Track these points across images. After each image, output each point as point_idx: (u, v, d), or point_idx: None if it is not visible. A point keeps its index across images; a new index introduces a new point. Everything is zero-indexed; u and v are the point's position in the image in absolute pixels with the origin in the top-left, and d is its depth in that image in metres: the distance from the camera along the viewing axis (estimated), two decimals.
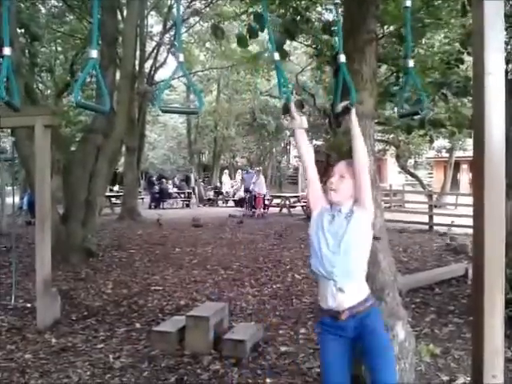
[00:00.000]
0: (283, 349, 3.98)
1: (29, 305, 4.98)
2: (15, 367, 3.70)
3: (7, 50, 2.00)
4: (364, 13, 3.04)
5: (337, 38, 3.20)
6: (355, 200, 2.21)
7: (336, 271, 2.12)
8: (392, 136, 14.23)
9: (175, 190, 21.81)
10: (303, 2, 3.18)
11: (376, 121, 3.28)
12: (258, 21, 3.04)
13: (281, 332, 4.39)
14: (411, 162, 24.81)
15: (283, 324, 4.62)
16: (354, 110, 2.25)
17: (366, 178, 2.19)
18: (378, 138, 13.19)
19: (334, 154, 3.02)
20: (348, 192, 2.23)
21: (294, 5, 3.20)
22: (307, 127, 2.40)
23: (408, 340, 2.98)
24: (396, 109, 2.58)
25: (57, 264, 5.73)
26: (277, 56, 2.33)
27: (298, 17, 3.32)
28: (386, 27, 4.46)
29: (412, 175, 21.49)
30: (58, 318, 4.79)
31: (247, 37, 3.25)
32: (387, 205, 15.81)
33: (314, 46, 3.58)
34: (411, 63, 2.30)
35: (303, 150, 2.41)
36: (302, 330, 4.43)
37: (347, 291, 2.13)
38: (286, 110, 2.44)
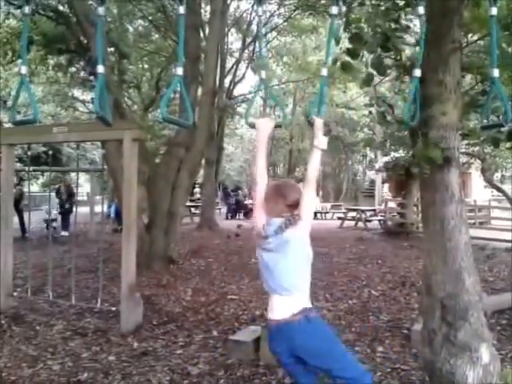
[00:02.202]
0: None
1: (113, 308, 5.18)
2: (99, 368, 3.90)
3: (101, 69, 2.16)
4: (448, 23, 2.95)
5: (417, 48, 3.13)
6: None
7: None
8: (477, 148, 13.50)
9: (250, 201, 22.16)
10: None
11: (460, 132, 3.14)
12: (356, 42, 3.03)
13: (357, 349, 4.29)
14: (498, 175, 23.34)
15: (359, 341, 4.52)
16: (318, 124, 2.36)
17: None
18: (462, 150, 12.57)
19: (424, 166, 2.91)
20: None
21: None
22: (325, 149, 2.40)
23: (493, 363, 2.81)
24: (480, 120, 2.50)
25: (140, 270, 5.99)
26: (325, 72, 2.34)
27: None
28: (470, 36, 4.28)
29: (499, 190, 20.17)
30: (140, 322, 5.00)
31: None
32: (472, 221, 14.97)
33: (393, 56, 3.50)
34: (496, 73, 2.24)
35: (312, 168, 2.42)
36: (380, 348, 4.30)
37: None
38: (311, 125, 2.45)
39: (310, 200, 2.37)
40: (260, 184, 2.45)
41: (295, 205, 2.36)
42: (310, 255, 2.39)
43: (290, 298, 2.37)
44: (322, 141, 2.39)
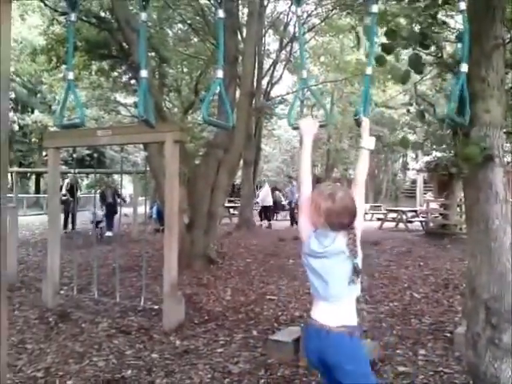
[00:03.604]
0: (401, 369, 3.83)
1: (156, 307, 5.29)
2: (143, 365, 3.99)
3: (144, 73, 2.23)
4: (491, 18, 2.88)
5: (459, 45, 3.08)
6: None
7: None
8: None
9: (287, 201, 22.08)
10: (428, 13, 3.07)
11: (504, 130, 3.06)
12: (392, 38, 3.00)
13: (398, 352, 4.23)
14: None
15: (401, 344, 4.44)
16: (364, 124, 2.37)
17: None
18: (507, 148, 12.15)
19: (464, 166, 2.84)
20: None
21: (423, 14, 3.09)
22: (373, 149, 2.35)
23: None
24: None
25: (181, 269, 6.10)
26: (369, 71, 2.33)
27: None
28: None
29: None
30: (182, 320, 5.10)
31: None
32: None
33: (434, 53, 3.43)
34: None
35: (361, 170, 2.35)
36: (422, 352, 4.22)
37: None
38: (358, 124, 2.43)
39: (361, 204, 2.22)
40: (306, 189, 2.24)
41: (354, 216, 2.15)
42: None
43: (337, 308, 2.21)
44: (368, 141, 2.34)
